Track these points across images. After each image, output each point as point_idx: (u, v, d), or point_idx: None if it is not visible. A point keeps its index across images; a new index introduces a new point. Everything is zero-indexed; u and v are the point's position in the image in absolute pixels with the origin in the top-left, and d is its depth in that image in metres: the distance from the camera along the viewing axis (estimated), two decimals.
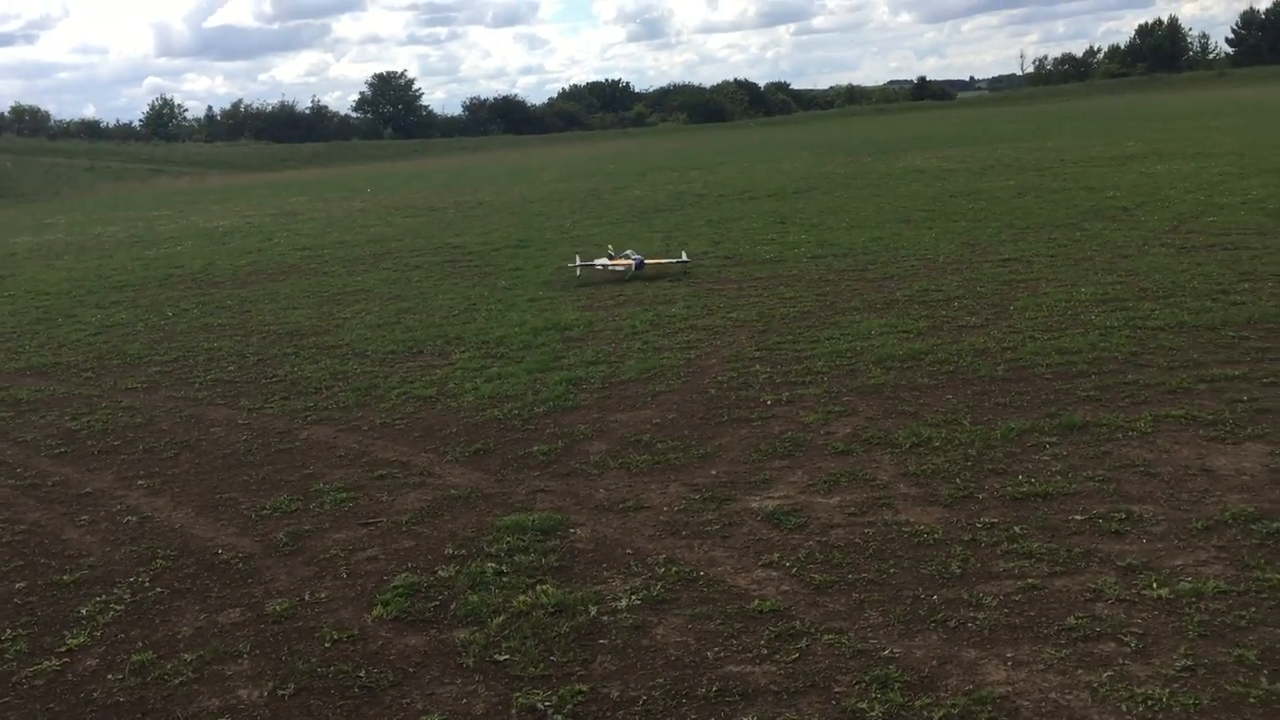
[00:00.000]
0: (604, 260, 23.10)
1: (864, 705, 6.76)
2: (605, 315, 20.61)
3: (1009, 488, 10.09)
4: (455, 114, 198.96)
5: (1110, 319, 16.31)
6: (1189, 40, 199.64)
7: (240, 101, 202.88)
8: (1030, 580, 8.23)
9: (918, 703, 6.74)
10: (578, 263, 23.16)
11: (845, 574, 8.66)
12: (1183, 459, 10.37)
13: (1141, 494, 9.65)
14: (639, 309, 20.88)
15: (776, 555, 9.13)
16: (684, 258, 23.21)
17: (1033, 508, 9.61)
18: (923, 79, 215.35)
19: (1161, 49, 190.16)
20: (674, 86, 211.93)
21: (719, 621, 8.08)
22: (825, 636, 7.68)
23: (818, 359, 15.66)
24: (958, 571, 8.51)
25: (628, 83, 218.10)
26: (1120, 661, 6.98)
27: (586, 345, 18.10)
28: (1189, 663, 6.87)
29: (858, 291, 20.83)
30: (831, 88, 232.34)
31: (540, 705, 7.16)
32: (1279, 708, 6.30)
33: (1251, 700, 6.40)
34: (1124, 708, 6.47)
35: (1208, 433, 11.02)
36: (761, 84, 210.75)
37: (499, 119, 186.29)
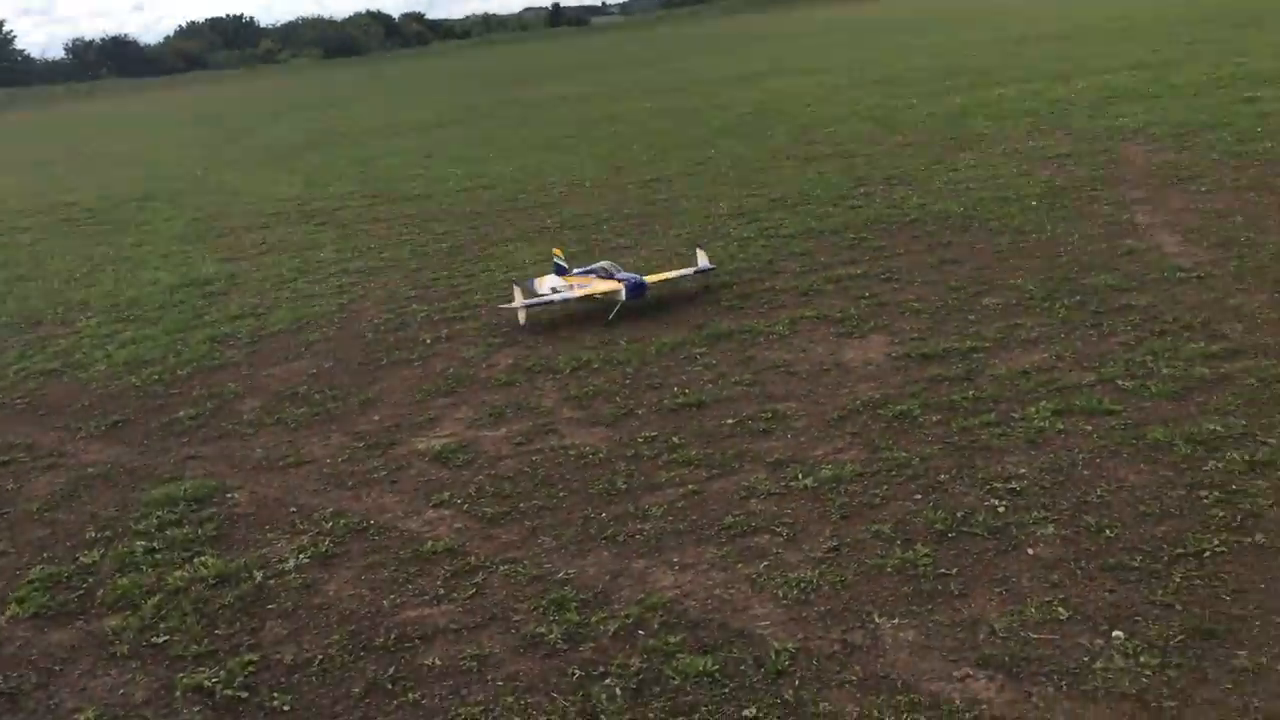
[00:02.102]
0: (557, 284, 13.92)
1: (543, 629, 6.85)
2: (249, 266, 19.54)
3: (666, 401, 10.47)
4: (58, 58, 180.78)
5: (747, 230, 17.20)
6: None
7: None
8: (691, 486, 8.60)
9: (594, 619, 6.90)
10: (519, 302, 13.49)
11: (516, 504, 8.71)
12: (818, 356, 11.13)
13: (784, 393, 10.28)
14: (285, 256, 19.95)
15: (447, 494, 9.05)
16: (704, 264, 14.11)
17: (689, 417, 10.02)
18: (557, 5, 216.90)
19: None
20: (303, 20, 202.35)
21: (393, 568, 7.93)
22: (501, 568, 7.71)
23: (475, 293, 15.57)
24: (623, 487, 8.76)
25: (251, 17, 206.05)
26: (775, 551, 7.44)
27: (230, 299, 17.11)
28: (834, 543, 7.42)
29: (510, 221, 20.85)
30: (468, 16, 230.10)
31: (208, 683, 6.77)
32: (912, 574, 6.93)
33: (889, 570, 7.01)
34: (780, 593, 6.91)
35: (837, 329, 11.88)
36: (396, 15, 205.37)
37: (109, 62, 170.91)
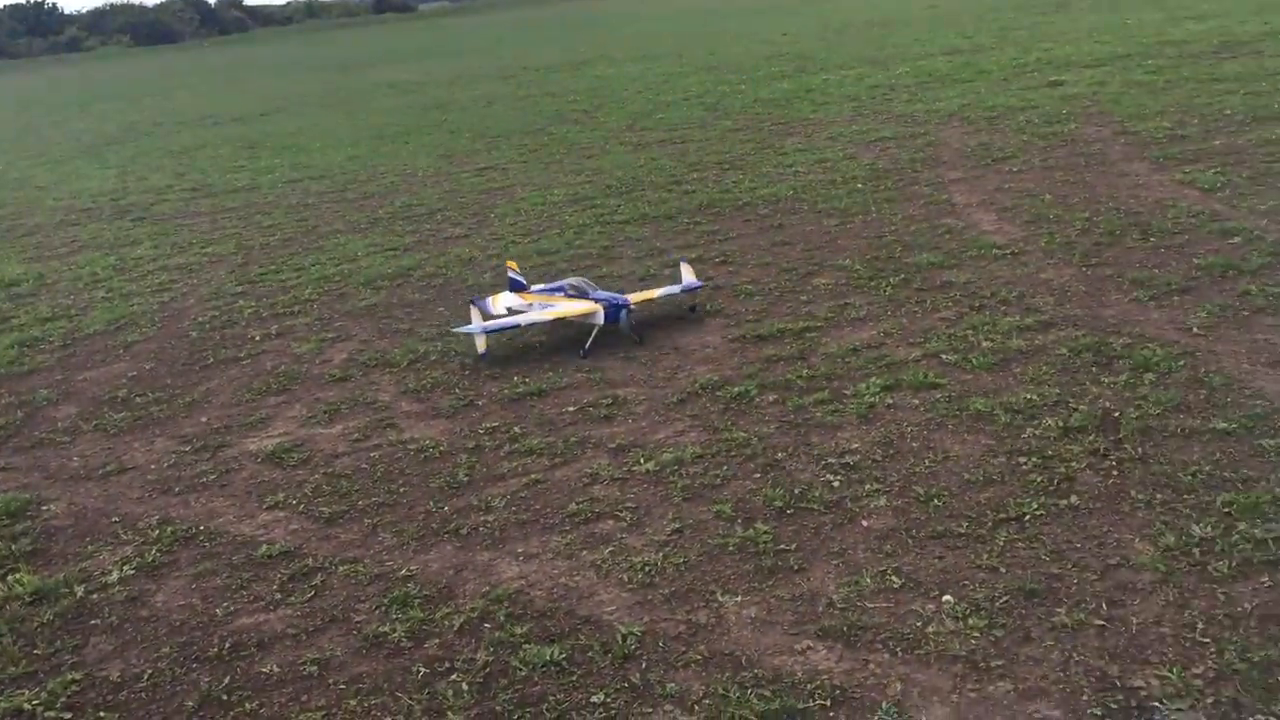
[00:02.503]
0: (515, 303, 11.95)
1: (386, 629, 6.72)
2: (59, 265, 18.54)
3: (506, 390, 10.38)
4: None
5: (582, 217, 17.21)
6: None
7: None
8: (534, 476, 8.55)
9: (438, 614, 6.80)
10: (476, 325, 11.22)
11: (355, 502, 8.51)
12: (655, 340, 11.21)
13: (624, 378, 10.33)
14: (99, 254, 19.01)
15: (282, 495, 8.77)
16: (690, 280, 12.00)
17: (530, 406, 9.97)
18: None
19: None
20: (112, 6, 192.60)
21: (226, 575, 7.64)
22: (341, 568, 7.52)
23: (305, 286, 15.14)
24: (465, 479, 8.65)
25: (54, 3, 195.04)
26: (619, 536, 7.47)
27: (39, 300, 16.21)
28: (677, 525, 7.50)
29: (339, 213, 20.34)
30: (289, 3, 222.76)
31: (27, 706, 6.40)
32: (753, 551, 7.05)
33: (731, 549, 7.12)
34: (625, 578, 6.94)
35: (672, 313, 11.98)
36: (212, 0, 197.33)
37: None
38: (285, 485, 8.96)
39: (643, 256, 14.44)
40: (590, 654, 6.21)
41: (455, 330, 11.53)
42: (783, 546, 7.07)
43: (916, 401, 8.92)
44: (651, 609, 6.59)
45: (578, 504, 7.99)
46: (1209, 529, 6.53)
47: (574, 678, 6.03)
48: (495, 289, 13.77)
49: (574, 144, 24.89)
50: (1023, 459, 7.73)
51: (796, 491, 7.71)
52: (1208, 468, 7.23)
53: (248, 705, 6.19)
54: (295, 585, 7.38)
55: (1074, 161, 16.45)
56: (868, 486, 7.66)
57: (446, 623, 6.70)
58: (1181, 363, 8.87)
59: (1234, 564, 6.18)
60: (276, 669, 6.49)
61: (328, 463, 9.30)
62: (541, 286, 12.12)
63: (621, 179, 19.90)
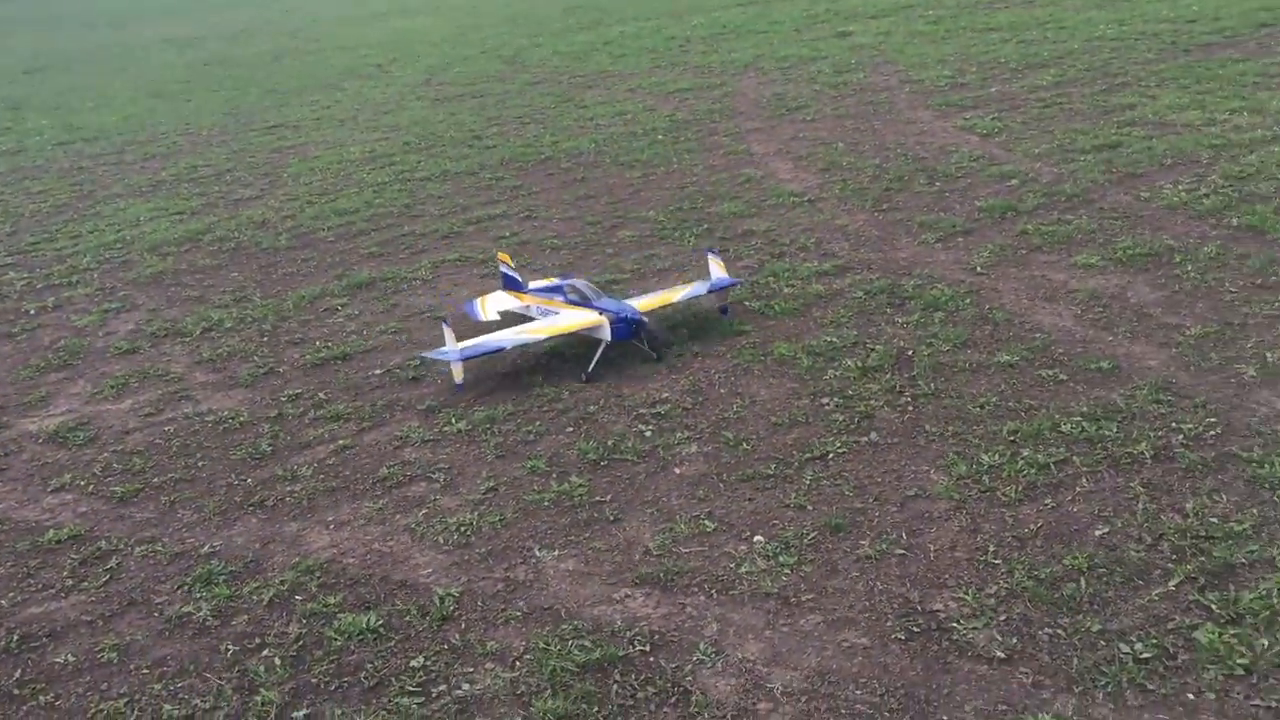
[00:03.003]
0: (510, 304, 9.96)
1: (190, 608, 6.43)
2: None
3: (309, 356, 10.05)
4: None
5: (381, 175, 16.76)
6: None
7: None
8: (342, 442, 8.32)
9: (246, 589, 6.56)
10: (451, 349, 8.79)
11: (150, 479, 8.10)
12: (463, 299, 11.03)
13: (431, 339, 10.09)
14: None
15: (69, 477, 8.27)
16: (721, 276, 9.59)
17: (334, 371, 9.68)
18: None
19: None
20: None
21: (11, 564, 7.17)
22: (137, 549, 7.15)
23: (83, 255, 14.25)
24: (269, 449, 8.35)
25: None
26: (432, 498, 7.36)
27: None
28: (491, 484, 7.44)
29: (118, 176, 19.20)
30: None
31: None
32: (569, 505, 7.06)
33: (546, 504, 7.11)
34: (440, 540, 6.85)
35: (481, 270, 11.84)
36: None
37: None
38: (71, 466, 8.45)
39: (446, 214, 14.18)
40: (408, 618, 6.11)
41: (425, 356, 9.18)
42: (598, 498, 7.10)
43: (723, 349, 9.08)
44: (468, 569, 6.53)
45: (389, 468, 7.83)
46: (996, 456, 6.91)
47: (392, 643, 5.93)
48: (291, 252, 13.34)
49: (369, 99, 24.18)
50: (825, 400, 7.98)
51: (610, 443, 7.76)
52: (994, 399, 7.63)
53: (42, 698, 5.84)
54: (88, 570, 6.99)
55: (863, 110, 16.98)
56: (679, 434, 7.77)
57: (255, 598, 6.48)
58: (968, 301, 9.31)
59: (1020, 488, 6.55)
60: (72, 658, 6.13)
61: (118, 440, 8.82)
62: (540, 285, 10.02)
63: (420, 135, 19.47)
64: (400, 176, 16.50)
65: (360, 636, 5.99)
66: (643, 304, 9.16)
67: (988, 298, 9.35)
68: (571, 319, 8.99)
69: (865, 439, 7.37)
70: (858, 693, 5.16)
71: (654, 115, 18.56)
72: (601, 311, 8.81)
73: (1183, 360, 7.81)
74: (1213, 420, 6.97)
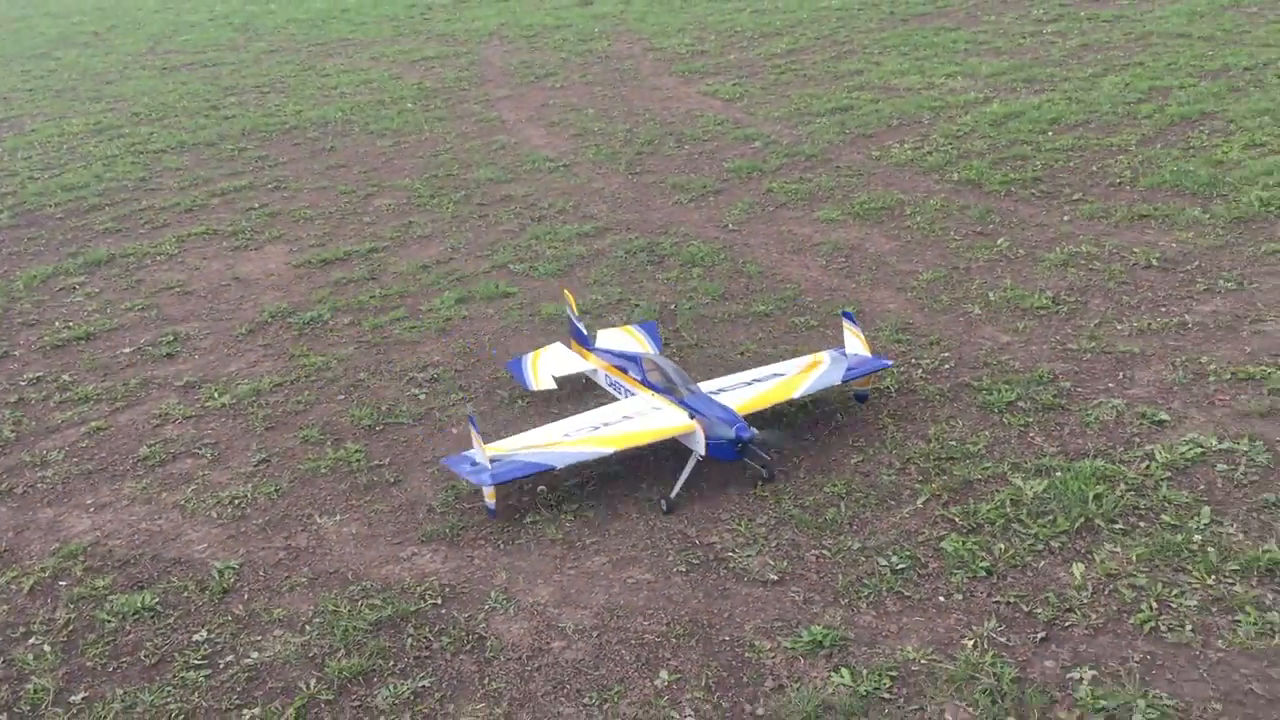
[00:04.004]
0: (576, 365, 7.65)
1: None
2: None
3: (47, 337, 9.47)
4: None
5: (110, 148, 15.79)
6: None
7: None
8: (94, 424, 7.92)
9: (3, 580, 6.20)
10: (480, 458, 6.32)
11: None
12: (213, 273, 10.65)
13: (183, 314, 9.74)
14: None
15: None
16: (858, 352, 7.10)
17: (78, 352, 9.17)
18: None
19: None
20: None
21: None
22: None
23: None
24: (12, 436, 7.85)
25: None
26: (201, 474, 7.14)
27: None
28: (263, 456, 7.27)
29: None
30: None
31: None
32: (346, 471, 7.00)
33: (323, 471, 7.03)
34: (214, 514, 6.67)
35: (230, 244, 11.42)
36: None
37: None
38: None
39: (187, 186, 13.55)
40: (186, 594, 5.95)
41: (449, 465, 6.50)
42: (376, 462, 7.08)
43: (491, 311, 9.17)
44: (246, 541, 6.40)
45: (149, 447, 7.52)
46: None
47: (171, 620, 5.76)
48: (15, 230, 12.47)
49: (88, 69, 22.64)
50: None
51: (384, 408, 7.73)
52: (753, 346, 8.07)
53: None
54: None
55: (610, 77, 17.30)
56: (453, 396, 7.82)
57: (14, 587, 6.13)
58: (722, 256, 9.75)
59: (782, 426, 6.98)
60: None
61: None
62: (611, 350, 7.47)
63: (150, 105, 18.44)
64: (132, 149, 15.61)
65: (136, 616, 5.79)
66: (747, 403, 6.61)
67: (741, 253, 9.82)
68: (652, 423, 6.50)
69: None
70: (645, 624, 5.42)
71: (400, 83, 18.27)
72: (694, 415, 6.42)
73: (917, 303, 8.48)
74: (946, 355, 7.62)
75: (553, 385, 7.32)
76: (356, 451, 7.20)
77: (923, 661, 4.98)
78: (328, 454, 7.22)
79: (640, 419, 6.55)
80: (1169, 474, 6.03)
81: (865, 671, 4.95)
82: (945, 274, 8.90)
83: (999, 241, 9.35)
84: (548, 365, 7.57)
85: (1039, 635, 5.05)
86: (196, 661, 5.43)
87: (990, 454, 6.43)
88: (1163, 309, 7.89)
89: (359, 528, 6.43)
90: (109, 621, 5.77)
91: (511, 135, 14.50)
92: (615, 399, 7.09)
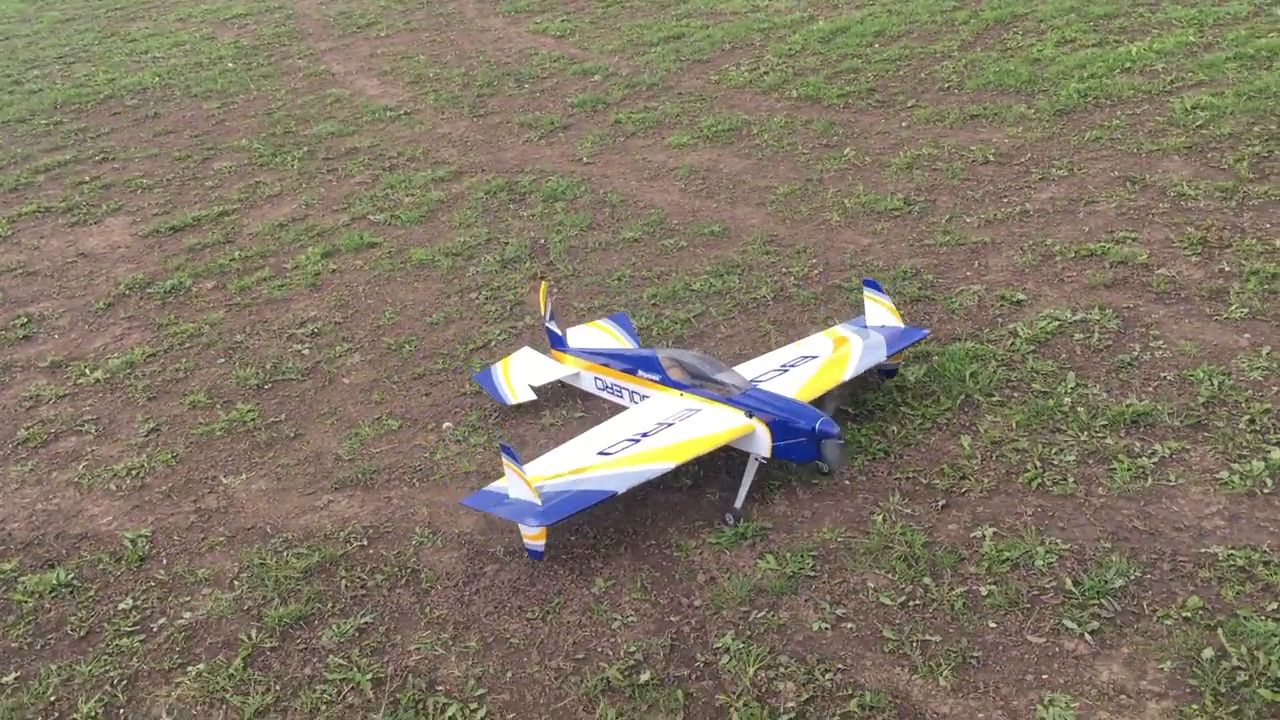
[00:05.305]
0: (553, 372, 6.82)
1: None
2: None
3: None
4: None
5: None
6: None
7: None
8: None
9: None
10: (522, 496, 5.33)
11: None
12: (55, 250, 10.22)
13: (31, 295, 9.35)
14: None
15: None
16: (893, 322, 6.37)
17: None
18: None
19: None
20: None
21: None
22: None
23: None
24: None
25: None
26: (89, 450, 6.96)
27: None
28: (152, 425, 7.14)
29: None
30: None
31: None
32: (242, 430, 6.95)
33: (219, 433, 6.95)
34: (112, 487, 6.54)
35: (68, 220, 10.94)
36: None
37: None
38: None
39: (7, 165, 12.86)
40: (101, 567, 5.86)
41: (476, 506, 5.49)
42: (273, 419, 7.05)
43: (360, 262, 9.11)
44: (153, 509, 6.32)
45: (27, 429, 7.29)
46: (645, 319, 7.55)
47: (92, 593, 5.67)
48: None
49: None
50: (474, 294, 8.29)
51: (269, 366, 7.66)
52: (629, 271, 8.28)
53: None
54: None
55: (435, 22, 17.07)
56: (339, 348, 7.80)
57: None
58: (583, 189, 9.89)
59: (670, 342, 7.22)
60: None
61: None
62: (597, 350, 6.72)
63: None
64: None
65: (53, 594, 5.69)
66: (799, 392, 5.90)
67: (600, 184, 9.98)
68: (704, 428, 5.69)
69: (522, 323, 7.78)
70: (573, 539, 5.63)
71: (215, 44, 17.61)
72: (752, 413, 5.67)
73: (778, 215, 8.82)
74: (814, 261, 7.99)
75: (532, 396, 6.61)
76: (249, 411, 7.14)
77: (839, 540, 5.34)
78: (220, 416, 7.14)
79: (685, 424, 5.73)
80: (1033, 347, 6.54)
81: (789, 555, 5.29)
82: (800, 186, 9.26)
83: (845, 151, 9.77)
84: (521, 373, 6.82)
85: (940, 503, 5.46)
86: (128, 629, 5.39)
87: None
88: (1005, 200, 8.43)
89: (268, 483, 6.42)
90: (25, 602, 5.65)
91: (345, 87, 14.22)
92: (613, 403, 6.40)
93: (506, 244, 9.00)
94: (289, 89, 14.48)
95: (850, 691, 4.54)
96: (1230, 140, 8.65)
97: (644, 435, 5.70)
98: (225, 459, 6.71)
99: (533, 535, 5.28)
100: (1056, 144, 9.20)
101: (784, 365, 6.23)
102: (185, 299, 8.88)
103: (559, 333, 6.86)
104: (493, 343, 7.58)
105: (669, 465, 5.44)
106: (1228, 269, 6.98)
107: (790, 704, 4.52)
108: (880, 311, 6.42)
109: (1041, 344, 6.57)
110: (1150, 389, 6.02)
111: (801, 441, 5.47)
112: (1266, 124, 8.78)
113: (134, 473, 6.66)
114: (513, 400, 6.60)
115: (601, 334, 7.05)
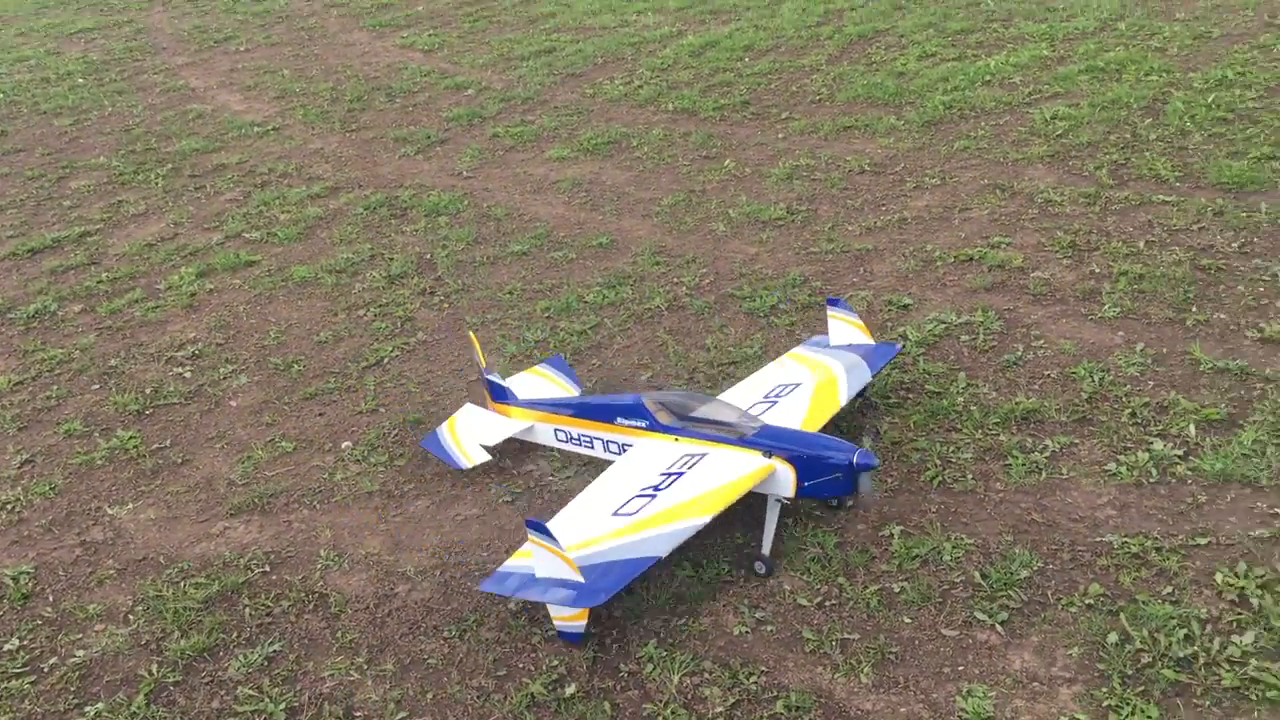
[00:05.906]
0: (503, 430, 6.20)
1: None
2: None
3: None
4: None
5: None
6: None
7: None
8: None
9: None
10: (558, 575, 4.78)
11: None
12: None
13: None
14: None
15: None
16: (865, 340, 6.22)
17: None
18: None
19: None
20: None
21: None
22: None
23: None
24: None
25: None
26: None
27: None
28: (25, 456, 6.79)
29: None
30: None
31: None
32: (125, 458, 6.65)
33: (99, 462, 6.63)
34: None
35: None
36: None
37: None
38: None
39: None
40: None
41: (493, 589, 4.89)
42: (157, 445, 6.77)
43: (238, 281, 8.84)
44: (34, 544, 6.00)
45: None
46: (540, 332, 7.51)
47: None
48: None
49: None
50: (362, 311, 8.13)
51: (149, 391, 7.36)
52: (519, 284, 8.22)
53: None
54: None
55: (297, 36, 16.71)
56: (223, 370, 7.55)
57: None
58: (465, 203, 9.80)
59: (569, 356, 7.21)
60: None
61: None
62: (546, 400, 6.29)
63: None
64: None
65: None
66: (804, 424, 5.62)
67: (483, 198, 9.90)
68: (720, 475, 5.27)
69: (414, 339, 7.65)
70: (485, 554, 5.56)
71: (62, 59, 16.89)
72: (771, 452, 5.31)
73: (665, 226, 8.90)
74: (704, 270, 8.08)
75: (486, 457, 6.05)
76: (131, 438, 6.85)
77: (753, 544, 5.39)
78: (100, 444, 6.83)
79: (698, 472, 5.30)
80: (923, 350, 6.74)
81: (705, 562, 5.32)
82: (684, 198, 9.36)
83: (725, 163, 9.91)
84: (469, 433, 6.24)
85: (849, 504, 5.58)
86: (17, 670, 5.11)
87: (767, 354, 6.91)
88: (883, 208, 8.68)
89: (157, 512, 6.16)
90: None
91: (206, 103, 13.79)
92: (578, 455, 6.05)
93: (392, 259, 8.85)
94: (146, 105, 13.97)
95: (775, 693, 4.59)
96: (1089, 149, 9.08)
97: (656, 489, 5.23)
98: (109, 488, 6.42)
99: (571, 616, 4.83)
100: (927, 154, 9.52)
101: (768, 396, 5.88)
102: (51, 324, 8.48)
103: (501, 384, 6.36)
104: (385, 359, 7.44)
105: (704, 520, 4.98)
106: (1098, 270, 7.32)
107: (717, 709, 4.55)
108: (846, 329, 6.24)
109: (931, 346, 6.78)
110: (1036, 387, 6.27)
111: (837, 478, 5.11)
112: (1121, 133, 9.25)
113: (9, 507, 6.32)
114: (467, 464, 6.03)
115: (543, 381, 6.57)
